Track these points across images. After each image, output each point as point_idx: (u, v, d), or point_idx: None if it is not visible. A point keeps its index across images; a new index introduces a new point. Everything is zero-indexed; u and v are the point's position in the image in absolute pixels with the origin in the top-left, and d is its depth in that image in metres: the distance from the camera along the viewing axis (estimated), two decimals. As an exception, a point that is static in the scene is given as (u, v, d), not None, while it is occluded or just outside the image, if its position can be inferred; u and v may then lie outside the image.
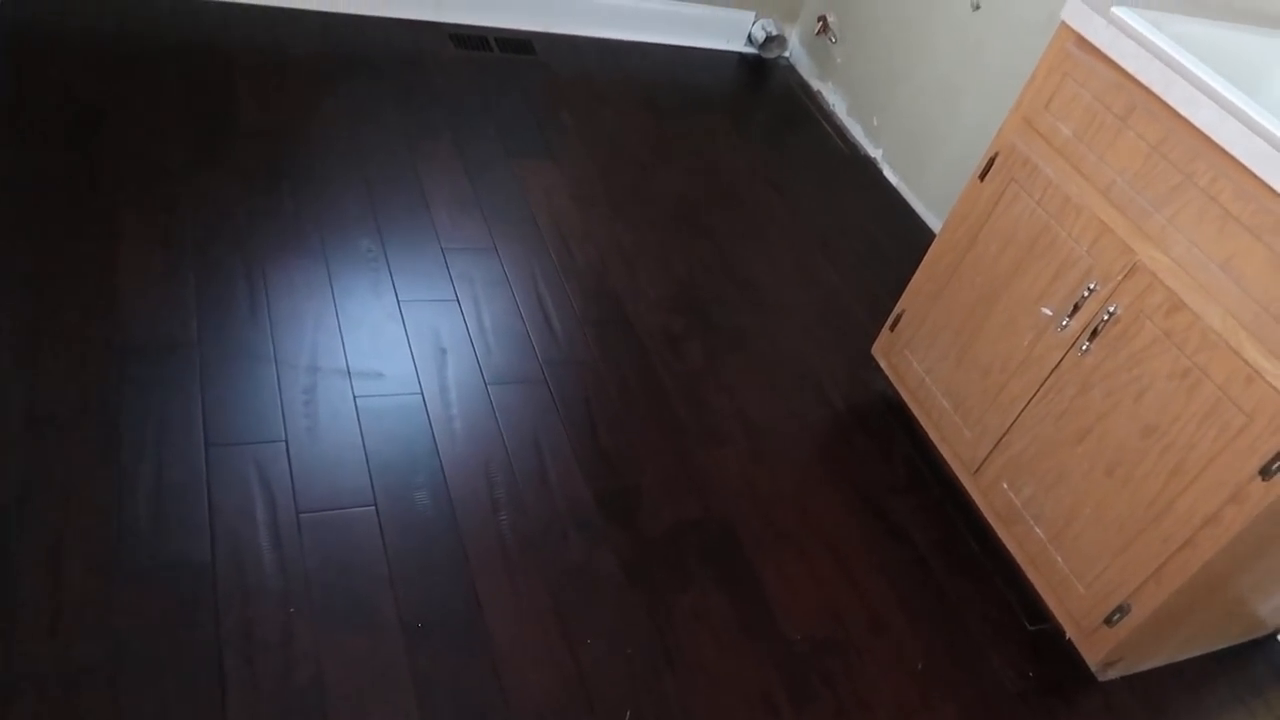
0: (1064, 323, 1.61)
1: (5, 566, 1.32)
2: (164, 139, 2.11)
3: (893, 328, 2.01)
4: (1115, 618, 1.54)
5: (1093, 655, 1.61)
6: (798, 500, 1.82)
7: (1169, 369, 1.45)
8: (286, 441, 1.61)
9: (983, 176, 1.76)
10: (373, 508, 1.55)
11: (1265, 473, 1.33)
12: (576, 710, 1.38)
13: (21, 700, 1.20)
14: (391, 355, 1.82)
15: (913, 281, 1.95)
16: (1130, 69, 1.47)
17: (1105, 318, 1.54)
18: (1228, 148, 1.34)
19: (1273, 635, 1.91)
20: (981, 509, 1.80)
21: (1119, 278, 1.52)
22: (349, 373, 1.76)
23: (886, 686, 1.56)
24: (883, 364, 2.05)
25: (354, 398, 1.71)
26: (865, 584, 1.71)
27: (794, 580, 1.67)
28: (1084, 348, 1.57)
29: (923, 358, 1.93)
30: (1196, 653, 1.79)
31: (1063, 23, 1.58)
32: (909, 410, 1.98)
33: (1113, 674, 1.68)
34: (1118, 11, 1.51)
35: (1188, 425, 1.43)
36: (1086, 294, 1.57)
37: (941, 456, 1.91)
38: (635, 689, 1.43)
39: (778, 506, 1.80)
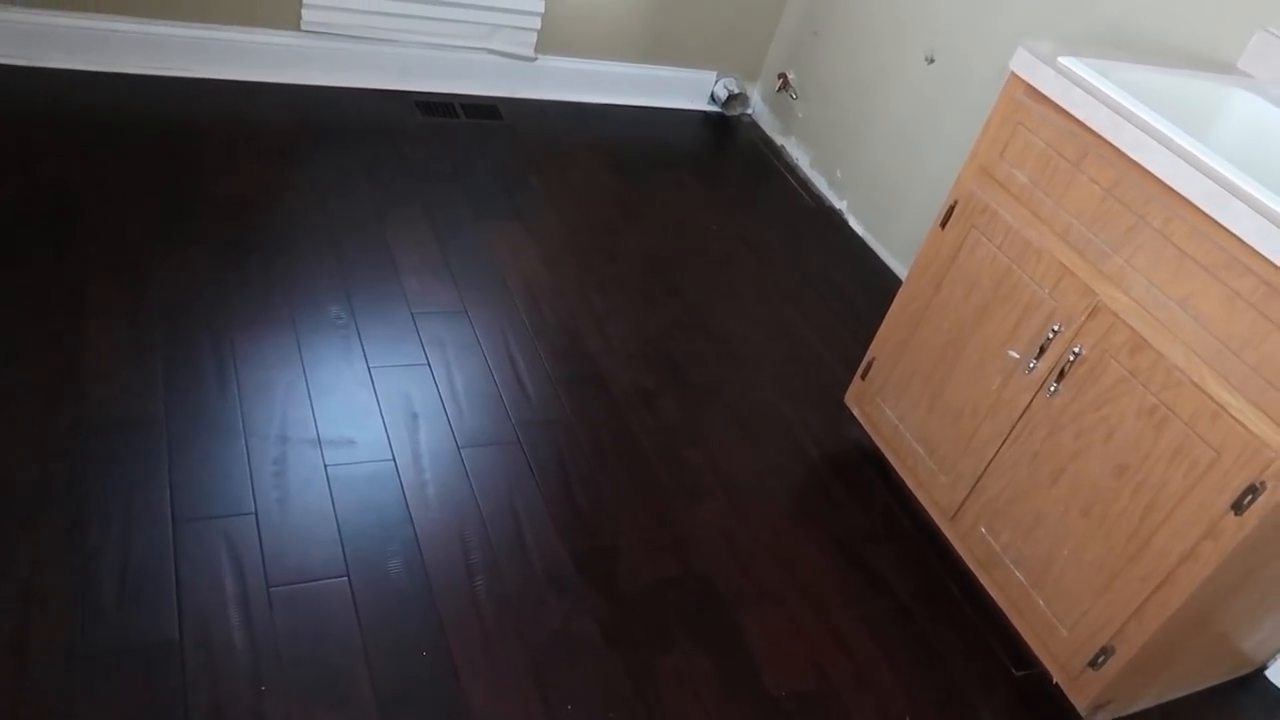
0: (1031, 365, 1.63)
1: (-36, 655, 1.28)
2: (132, 214, 2.11)
3: (864, 376, 2.02)
4: (1100, 660, 1.53)
5: (1081, 699, 1.59)
6: (777, 553, 1.81)
7: (1136, 407, 1.46)
8: (256, 514, 1.58)
9: (944, 224, 1.79)
10: (345, 579, 1.52)
11: (1237, 508, 1.33)
12: (559, 780, 1.35)
13: (-21, 796, 1.15)
14: (363, 422, 1.80)
15: (881, 329, 1.96)
16: (1080, 116, 1.51)
17: (1071, 359, 1.55)
18: (1179, 189, 1.37)
19: (1260, 670, 1.90)
20: (961, 555, 1.80)
21: (1082, 319, 1.54)
22: (319, 441, 1.74)
23: (875, 741, 1.53)
24: (856, 412, 2.05)
25: (325, 467, 1.69)
26: (848, 636, 1.69)
27: (776, 635, 1.65)
28: (1052, 389, 1.59)
29: (895, 404, 1.94)
30: (1185, 691, 1.77)
31: (1013, 73, 1.62)
32: (884, 458, 1.98)
33: (1102, 717, 1.66)
34: (1065, 61, 1.55)
35: (1158, 463, 1.43)
36: (1051, 336, 1.59)
37: (919, 503, 1.91)
38: (618, 755, 1.40)
39: (757, 560, 1.78)
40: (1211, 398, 1.36)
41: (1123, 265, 1.48)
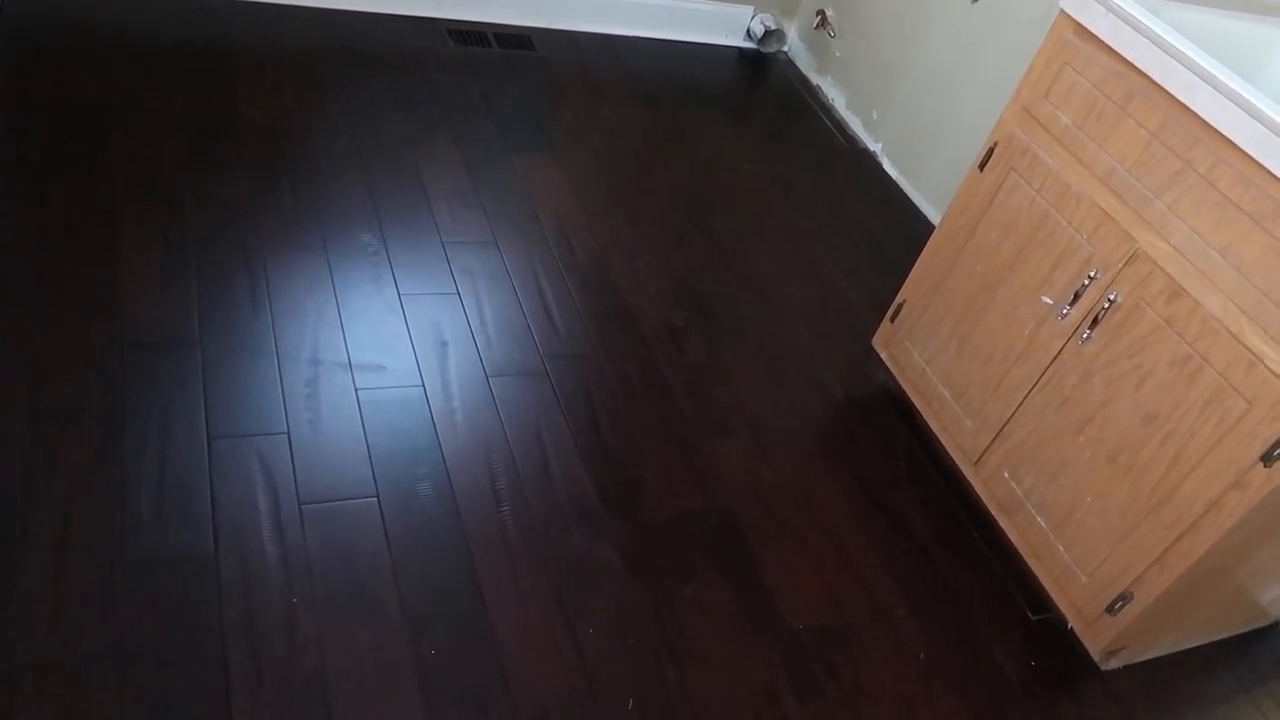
0: (1064, 311, 1.61)
1: (9, 558, 1.32)
2: (164, 136, 2.11)
3: (893, 319, 2.01)
4: (1117, 606, 1.54)
5: (1095, 644, 1.61)
6: (799, 492, 1.82)
7: (1170, 356, 1.45)
8: (289, 434, 1.61)
9: (982, 166, 1.76)
10: (375, 499, 1.55)
11: (1267, 459, 1.33)
12: (579, 700, 1.38)
13: (24, 689, 1.20)
14: (393, 348, 1.82)
15: (913, 272, 1.95)
16: (1129, 56, 1.47)
17: (1106, 306, 1.54)
18: (1227, 133, 1.34)
19: (1275, 624, 1.91)
20: (983, 499, 1.80)
21: (1119, 265, 1.52)
22: (350, 365, 1.76)
23: (889, 676, 1.56)
24: (883, 355, 2.05)
25: (355, 390, 1.72)
26: (867, 574, 1.71)
27: (796, 571, 1.68)
28: (1085, 336, 1.57)
29: (923, 348, 1.93)
30: (1199, 642, 1.79)
31: (1061, 11, 1.58)
32: (910, 401, 1.98)
33: (1115, 663, 1.68)
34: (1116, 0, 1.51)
35: (1189, 412, 1.43)
36: (1087, 282, 1.57)
37: (943, 447, 1.91)
38: (638, 679, 1.44)
39: (779, 498, 1.80)
40: (1248, 348, 1.35)
41: (1164, 211, 1.46)
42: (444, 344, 1.87)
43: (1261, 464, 1.33)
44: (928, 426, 1.94)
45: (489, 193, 2.29)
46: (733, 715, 1.43)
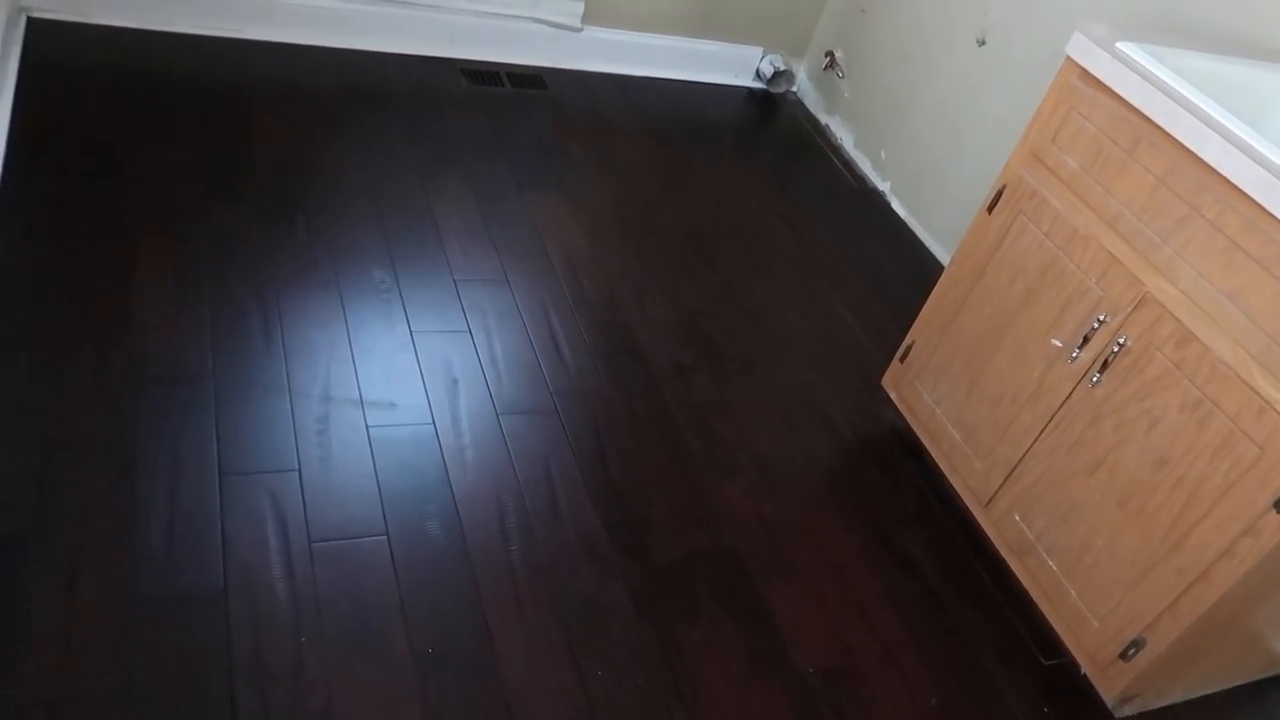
0: (1074, 354, 1.61)
1: (19, 592, 1.33)
2: (180, 174, 2.14)
3: (903, 359, 2.02)
4: (1130, 652, 1.52)
5: (1109, 691, 1.59)
6: (807, 532, 1.82)
7: (1180, 401, 1.45)
8: (300, 471, 1.61)
9: (991, 209, 1.77)
10: (385, 537, 1.55)
11: (1279, 505, 1.32)
12: (587, 743, 1.37)
13: (33, 729, 1.20)
14: (404, 385, 1.83)
15: (922, 313, 1.95)
16: (1135, 102, 1.48)
17: (1115, 349, 1.54)
18: (1234, 180, 1.35)
19: (1290, 670, 1.88)
20: (993, 541, 1.80)
21: (1128, 309, 1.52)
22: (362, 403, 1.77)
23: (899, 720, 1.55)
24: (893, 395, 2.05)
25: (367, 428, 1.72)
26: (876, 616, 1.70)
27: (804, 612, 1.67)
28: (1095, 379, 1.58)
29: (933, 389, 1.93)
30: (1214, 689, 1.77)
31: (1068, 57, 1.60)
32: (919, 442, 1.98)
33: (1129, 710, 1.66)
34: (1122, 46, 1.53)
35: (1200, 457, 1.42)
36: (1096, 325, 1.58)
37: (952, 488, 1.91)
38: (646, 721, 1.43)
39: (787, 538, 1.79)
40: (1258, 393, 1.35)
41: (1172, 256, 1.46)
42: (455, 381, 1.88)
43: (1275, 510, 1.33)
44: (937, 467, 1.94)
45: (500, 230, 2.31)
46: (741, 760, 1.42)
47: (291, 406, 1.72)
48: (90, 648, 1.29)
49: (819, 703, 1.53)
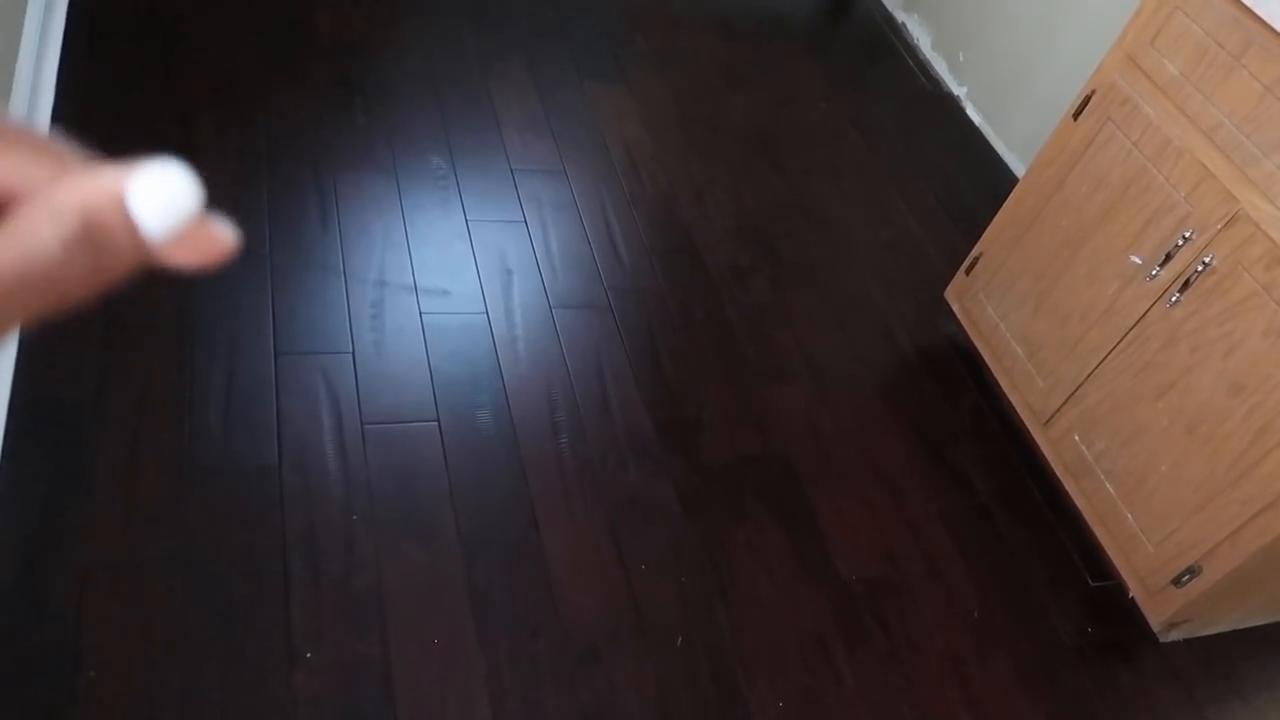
0: (1154, 272, 1.54)
1: (83, 459, 1.36)
2: (240, 51, 2.11)
3: (968, 271, 1.95)
4: (1184, 579, 1.49)
5: (1156, 615, 1.57)
6: (859, 441, 1.80)
7: (1265, 325, 1.38)
8: (354, 353, 1.62)
9: (1076, 115, 1.68)
10: (435, 423, 1.56)
11: (1361, 438, 1.26)
12: (627, 633, 1.40)
13: (96, 586, 1.24)
14: (458, 274, 1.82)
15: (993, 224, 1.88)
16: (1248, 2, 1.37)
17: (1200, 269, 1.46)
18: (1353, 90, 1.25)
19: (1346, 608, 1.84)
20: (1050, 460, 1.76)
21: (1218, 226, 1.44)
22: (416, 289, 1.76)
23: (940, 632, 1.55)
24: (955, 308, 1.99)
25: (420, 314, 1.72)
26: (923, 528, 1.69)
27: (851, 520, 1.66)
28: (1174, 299, 1.51)
29: (998, 303, 1.87)
30: (1263, 620, 1.74)
31: (1179, -50, 1.47)
32: (979, 356, 1.93)
33: (1175, 636, 1.64)
34: (1242, -61, 1.40)
35: (1279, 386, 1.36)
36: (1181, 243, 1.50)
37: (1011, 405, 1.86)
38: (687, 617, 1.44)
39: (838, 446, 1.77)
40: (1351, 322, 1.27)
41: (1273, 172, 1.37)
42: (509, 272, 1.86)
43: (1354, 444, 1.27)
44: (996, 383, 1.89)
45: (560, 121, 2.25)
46: (780, 659, 1.43)
47: (346, 289, 1.72)
48: (149, 514, 1.33)
49: (860, 609, 1.53)
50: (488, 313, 1.77)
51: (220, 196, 1.68)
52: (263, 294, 1.65)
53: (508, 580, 1.40)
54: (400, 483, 1.47)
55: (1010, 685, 1.51)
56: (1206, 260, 1.46)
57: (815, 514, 1.65)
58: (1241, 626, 1.71)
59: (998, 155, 2.66)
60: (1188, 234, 1.49)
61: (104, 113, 1.85)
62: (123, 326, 1.53)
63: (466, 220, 1.93)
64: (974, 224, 2.34)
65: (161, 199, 0.24)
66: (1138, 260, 1.57)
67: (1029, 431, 1.81)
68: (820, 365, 1.91)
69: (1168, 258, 1.52)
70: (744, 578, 1.52)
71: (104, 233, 0.23)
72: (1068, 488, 1.72)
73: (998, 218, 1.87)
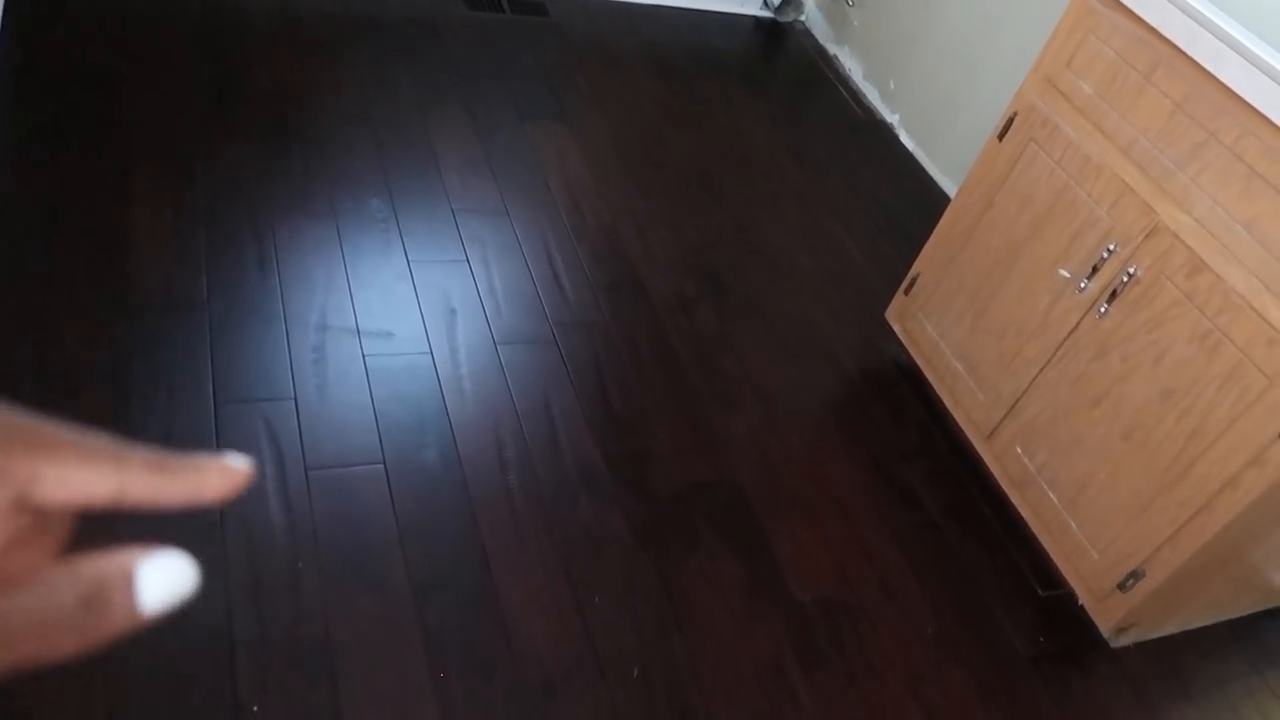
0: (1082, 285, 1.58)
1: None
2: (176, 101, 2.10)
3: (907, 292, 1.99)
4: (1129, 583, 1.52)
5: (1105, 621, 1.59)
6: (809, 465, 1.81)
7: (1189, 331, 1.42)
8: (295, 399, 1.60)
9: (1001, 136, 1.73)
10: (381, 466, 1.55)
11: (1286, 436, 1.30)
12: (584, 667, 1.38)
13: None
14: (401, 315, 1.81)
15: (928, 245, 1.92)
16: (1154, 23, 1.43)
17: (1125, 279, 1.51)
18: (1255, 104, 1.31)
19: (1288, 604, 1.89)
20: (994, 474, 1.79)
21: (1139, 238, 1.49)
22: (359, 332, 1.75)
23: (897, 651, 1.55)
24: (896, 329, 2.02)
25: (363, 356, 1.71)
26: (876, 548, 1.70)
27: (804, 544, 1.66)
28: (1102, 310, 1.55)
29: (937, 322, 1.90)
30: (1210, 620, 1.77)
31: (1087, -24, 1.54)
32: (922, 375, 1.96)
33: (1125, 640, 1.67)
34: (1143, -36, 1.47)
35: (1207, 389, 1.40)
36: (1106, 255, 1.54)
37: (955, 421, 1.89)
38: (643, 648, 1.43)
39: (788, 471, 1.78)
40: (1270, 324, 1.32)
41: (1187, 184, 1.42)
42: (453, 311, 1.86)
43: (1280, 442, 1.31)
44: (940, 400, 1.92)
45: (500, 161, 2.26)
46: (738, 686, 1.43)
47: (288, 335, 1.70)
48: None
49: (815, 632, 1.53)
50: (432, 353, 1.76)
51: (157, 248, 1.66)
52: (201, 344, 1.63)
53: (460, 622, 1.39)
54: (347, 528, 1.45)
55: (968, 700, 1.52)
56: (1131, 271, 1.50)
57: (768, 539, 1.65)
58: (1189, 627, 1.74)
59: (932, 179, 2.73)
60: (1112, 247, 1.53)
61: (38, 168, 1.82)
62: (54, 384, 1.50)
63: (409, 261, 1.92)
64: (912, 247, 2.38)
65: (163, 585, 0.28)
66: (1066, 274, 1.62)
67: (973, 446, 1.84)
68: (767, 392, 1.93)
69: (1094, 270, 1.56)
70: (699, 606, 1.51)
71: (108, 603, 0.27)
72: (1013, 500, 1.75)
73: (932, 238, 1.91)
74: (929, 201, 2.63)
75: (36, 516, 0.28)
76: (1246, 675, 1.72)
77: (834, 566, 1.64)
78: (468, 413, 1.68)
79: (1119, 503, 1.54)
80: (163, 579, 0.28)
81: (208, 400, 1.55)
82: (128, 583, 0.27)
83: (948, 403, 1.89)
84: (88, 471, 0.28)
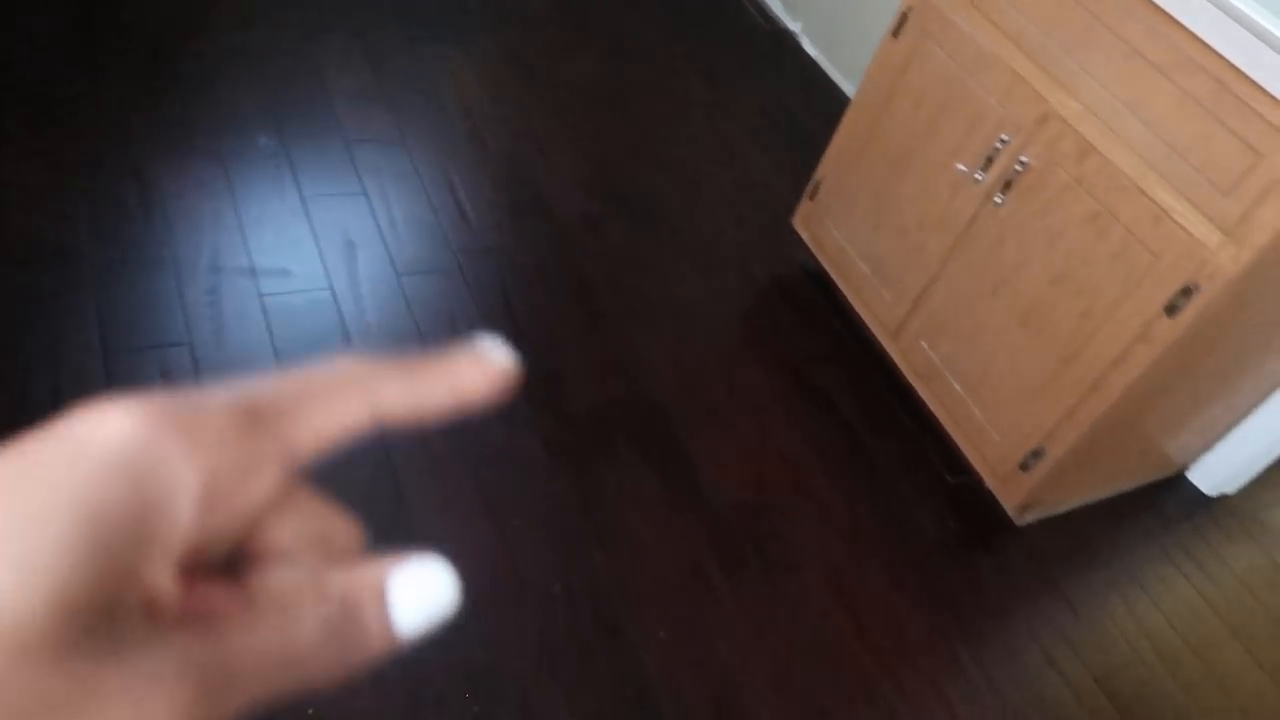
0: (978, 177, 1.60)
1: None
2: (45, 39, 1.96)
3: (812, 197, 1.99)
4: (1030, 463, 1.58)
5: (1010, 500, 1.65)
6: (723, 374, 1.82)
7: (1080, 214, 1.45)
8: (191, 344, 1.55)
9: (896, 33, 1.72)
10: (286, 405, 1.51)
11: (1171, 310, 1.35)
12: (507, 590, 1.39)
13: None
14: (298, 252, 1.75)
15: (830, 148, 1.92)
16: (1036, -94, 1.42)
17: (1018, 169, 1.53)
18: (1132, -19, 1.31)
19: (1181, 473, 1.98)
20: (902, 369, 1.82)
21: (1031, 127, 1.50)
22: (254, 271, 1.69)
23: (814, 547, 1.59)
24: (803, 234, 2.03)
25: (260, 296, 1.65)
26: (791, 451, 1.73)
27: (721, 452, 1.68)
28: (998, 200, 1.57)
29: (842, 224, 1.91)
30: (1109, 493, 1.85)
31: None
32: (830, 279, 1.97)
33: (1030, 518, 1.73)
34: None
35: (1097, 269, 1.44)
36: (1000, 146, 1.56)
37: (863, 321, 1.92)
38: (565, 565, 1.44)
39: (703, 382, 1.79)
40: (1155, 202, 1.35)
41: (1075, 70, 1.44)
42: (352, 244, 1.80)
43: (1166, 315, 1.35)
44: (848, 302, 1.94)
45: (394, 88, 2.18)
46: (660, 592, 1.45)
47: (179, 279, 1.63)
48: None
49: (735, 536, 1.56)
50: (333, 288, 1.71)
51: (33, 196, 1.57)
52: (84, 294, 1.56)
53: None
54: (254, 470, 1.41)
55: (885, 588, 1.57)
56: (1024, 160, 1.52)
57: (685, 450, 1.66)
58: (1089, 501, 1.82)
59: (835, 85, 2.72)
60: (1005, 137, 1.55)
61: (-119, 117, 1.70)
62: (-73, 343, 1.42)
63: (302, 196, 1.86)
64: (817, 153, 2.38)
65: (421, 601, 0.23)
66: (963, 168, 1.63)
67: (881, 344, 1.87)
68: (679, 305, 1.92)
69: (989, 162, 1.58)
70: (618, 519, 1.52)
71: (359, 624, 0.23)
72: (920, 392, 1.79)
73: (834, 141, 1.91)
74: (834, 108, 2.61)
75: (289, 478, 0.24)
76: (1146, 544, 1.81)
77: (751, 471, 1.67)
78: (373, 346, 1.64)
79: (1018, 386, 1.58)
80: (419, 593, 0.24)
81: (96, 351, 1.49)
82: (380, 600, 0.23)
83: (855, 304, 1.91)
84: (338, 406, 0.25)
